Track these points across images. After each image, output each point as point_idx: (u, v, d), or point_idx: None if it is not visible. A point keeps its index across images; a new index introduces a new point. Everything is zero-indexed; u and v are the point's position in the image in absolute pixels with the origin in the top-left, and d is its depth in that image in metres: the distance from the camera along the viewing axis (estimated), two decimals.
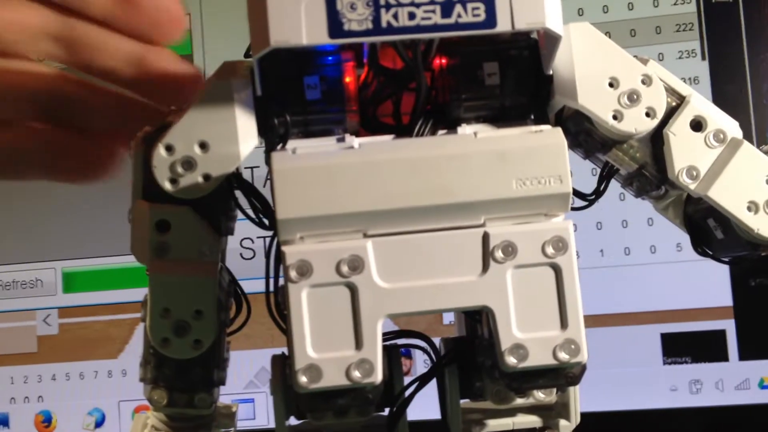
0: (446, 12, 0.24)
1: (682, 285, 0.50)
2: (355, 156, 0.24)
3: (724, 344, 0.50)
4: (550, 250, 0.24)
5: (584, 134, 0.28)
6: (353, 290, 0.23)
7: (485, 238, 0.24)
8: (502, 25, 0.23)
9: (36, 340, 0.60)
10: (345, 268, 0.23)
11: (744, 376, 0.50)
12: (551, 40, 0.25)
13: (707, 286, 0.50)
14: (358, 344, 0.23)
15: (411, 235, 0.24)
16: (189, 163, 0.24)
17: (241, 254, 0.52)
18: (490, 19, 0.24)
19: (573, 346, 0.24)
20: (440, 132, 0.26)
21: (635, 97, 0.26)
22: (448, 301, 0.25)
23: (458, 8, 0.24)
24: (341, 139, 0.24)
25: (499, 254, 0.25)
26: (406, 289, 0.24)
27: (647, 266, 0.50)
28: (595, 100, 0.26)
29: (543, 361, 0.24)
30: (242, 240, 0.52)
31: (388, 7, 0.23)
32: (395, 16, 0.23)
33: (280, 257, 0.23)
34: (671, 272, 0.50)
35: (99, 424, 0.59)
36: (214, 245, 0.27)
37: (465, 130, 0.25)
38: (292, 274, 0.23)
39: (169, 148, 0.24)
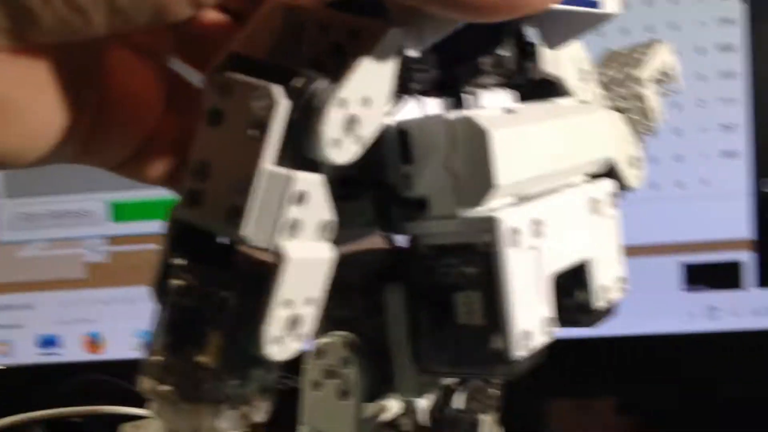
0: None
1: (706, 218, 0.50)
2: (530, 122, 0.23)
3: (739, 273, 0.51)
4: (611, 201, 0.27)
5: None
6: (537, 251, 0.23)
7: (587, 192, 0.26)
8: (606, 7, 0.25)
9: (85, 267, 0.59)
10: (535, 232, 0.23)
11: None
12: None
13: (728, 220, 0.51)
14: (543, 302, 0.23)
15: (554, 195, 0.25)
16: (353, 123, 0.20)
17: None
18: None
19: (624, 284, 0.27)
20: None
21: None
22: (577, 254, 0.25)
23: None
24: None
25: (595, 207, 0.26)
26: (558, 245, 0.24)
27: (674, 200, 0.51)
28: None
29: (614, 297, 0.27)
30: None
31: None
32: None
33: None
34: (696, 206, 0.51)
35: None
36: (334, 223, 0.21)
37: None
38: (509, 240, 0.22)
39: (342, 104, 0.20)
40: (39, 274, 0.58)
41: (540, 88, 0.29)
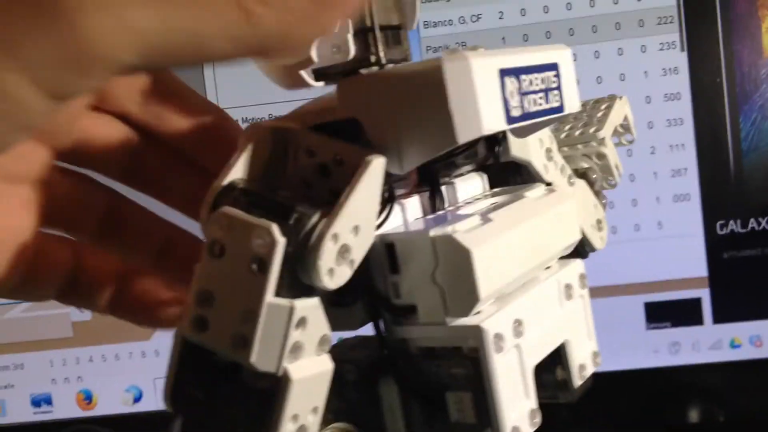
0: (546, 98, 0.25)
1: (662, 259, 0.52)
2: (507, 229, 0.24)
3: (700, 310, 0.53)
4: (581, 282, 0.28)
5: None
6: (519, 349, 0.24)
7: (559, 280, 0.27)
8: (569, 109, 0.26)
9: (71, 326, 0.59)
10: (516, 332, 0.24)
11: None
12: None
13: (684, 259, 0.53)
14: (528, 395, 0.24)
15: (530, 288, 0.26)
16: (346, 251, 0.21)
17: None
18: (562, 105, 0.26)
19: (598, 357, 0.29)
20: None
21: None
22: (554, 342, 0.27)
23: (550, 95, 0.26)
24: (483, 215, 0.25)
25: (568, 293, 0.28)
26: (537, 338, 0.25)
27: (632, 243, 0.53)
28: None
29: (590, 372, 0.28)
30: None
31: (526, 94, 0.24)
32: (530, 103, 0.24)
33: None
34: (653, 248, 0.53)
35: (137, 399, 0.59)
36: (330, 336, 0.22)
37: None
38: (494, 347, 0.23)
39: (335, 238, 0.21)
40: (27, 335, 0.58)
41: (508, 169, 0.31)
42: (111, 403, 0.59)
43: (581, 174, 0.37)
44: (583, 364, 0.28)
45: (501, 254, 0.24)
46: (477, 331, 0.23)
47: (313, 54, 0.25)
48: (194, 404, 0.22)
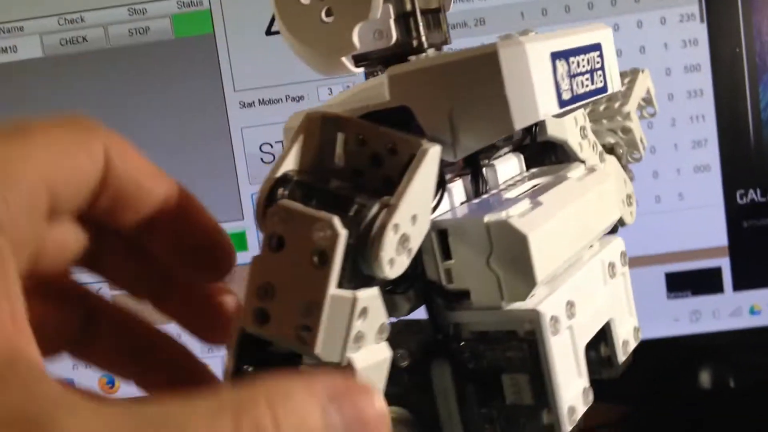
0: (592, 79, 0.25)
1: (683, 230, 0.52)
2: (557, 212, 0.24)
3: (720, 279, 0.53)
4: (623, 260, 0.28)
5: None
6: (572, 331, 0.24)
7: (603, 259, 0.27)
8: (611, 89, 0.27)
9: None
10: (569, 313, 0.24)
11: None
12: None
13: (704, 229, 0.53)
14: (581, 375, 0.24)
15: (578, 269, 0.26)
16: (405, 240, 0.21)
17: (261, 159, 0.51)
18: (605, 86, 0.26)
19: (639, 332, 0.29)
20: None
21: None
22: (601, 320, 0.27)
23: (595, 76, 0.26)
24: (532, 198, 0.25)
25: (611, 271, 0.28)
26: (587, 318, 0.25)
27: (653, 215, 0.53)
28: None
29: (632, 347, 0.28)
30: (262, 145, 0.51)
31: (574, 76, 0.24)
32: (578, 85, 0.24)
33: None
34: (674, 219, 0.53)
35: None
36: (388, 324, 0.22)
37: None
38: (551, 329, 0.23)
39: (396, 228, 0.20)
40: None
41: (543, 148, 0.31)
42: (133, 388, 0.59)
43: (609, 150, 0.37)
44: (626, 340, 0.29)
45: (553, 237, 0.24)
46: (534, 315, 0.23)
47: (355, 40, 0.25)
48: None
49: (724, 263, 0.53)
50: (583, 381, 0.25)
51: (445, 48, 0.27)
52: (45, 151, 0.20)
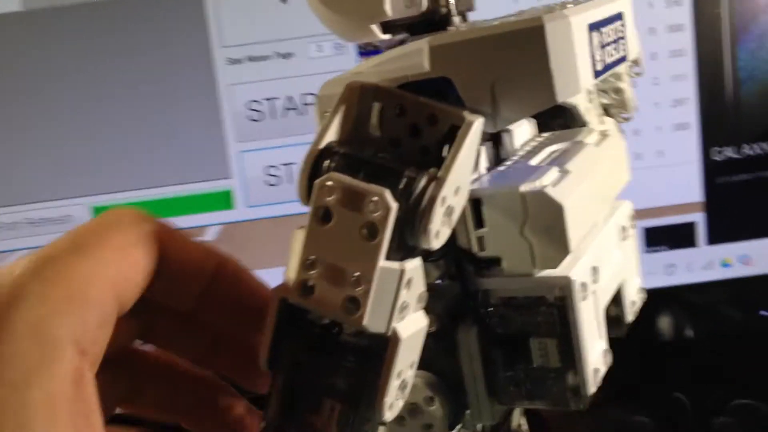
0: (617, 48, 0.26)
1: (661, 186, 0.54)
2: (584, 180, 0.25)
3: (695, 233, 0.55)
4: (632, 223, 0.29)
5: None
6: (595, 295, 0.25)
7: (616, 223, 0.28)
8: (631, 56, 0.28)
9: None
10: (594, 278, 0.25)
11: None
12: None
13: (681, 185, 0.54)
14: (601, 336, 0.25)
15: (598, 234, 0.27)
16: (450, 212, 0.21)
17: (249, 116, 0.51)
18: (626, 54, 0.27)
19: (643, 292, 0.30)
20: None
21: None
22: (617, 282, 0.28)
23: (619, 45, 0.26)
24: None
25: (624, 234, 0.29)
26: (606, 281, 0.26)
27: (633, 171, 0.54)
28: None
29: (639, 307, 0.29)
30: (250, 102, 0.51)
31: (605, 46, 0.24)
32: (608, 54, 0.24)
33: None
34: (653, 176, 0.54)
35: None
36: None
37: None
38: (581, 295, 0.23)
39: (443, 201, 0.21)
40: None
41: (553, 114, 0.31)
42: None
43: (603, 110, 0.37)
44: (634, 300, 0.30)
45: (583, 205, 0.24)
46: (566, 282, 0.23)
47: (387, 8, 0.24)
48: (296, 364, 0.22)
49: (699, 218, 0.54)
50: (603, 342, 0.26)
51: (469, 15, 0.27)
52: (114, 266, 0.22)
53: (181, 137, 0.50)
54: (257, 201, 0.51)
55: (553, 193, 0.23)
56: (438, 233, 0.21)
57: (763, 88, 0.52)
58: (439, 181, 0.21)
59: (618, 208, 0.29)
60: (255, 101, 0.50)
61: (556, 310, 0.24)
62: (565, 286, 0.23)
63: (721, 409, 0.54)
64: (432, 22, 0.26)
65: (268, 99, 0.50)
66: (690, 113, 0.53)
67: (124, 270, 0.22)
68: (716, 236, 0.54)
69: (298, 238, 0.21)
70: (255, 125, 0.50)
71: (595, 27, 0.23)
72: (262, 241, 0.51)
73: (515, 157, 0.27)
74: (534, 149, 0.28)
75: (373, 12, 0.24)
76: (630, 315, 0.29)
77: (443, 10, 0.26)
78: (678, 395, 0.55)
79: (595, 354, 0.25)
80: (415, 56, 0.23)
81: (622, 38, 0.26)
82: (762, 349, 0.63)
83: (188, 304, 0.25)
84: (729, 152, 0.53)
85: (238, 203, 0.51)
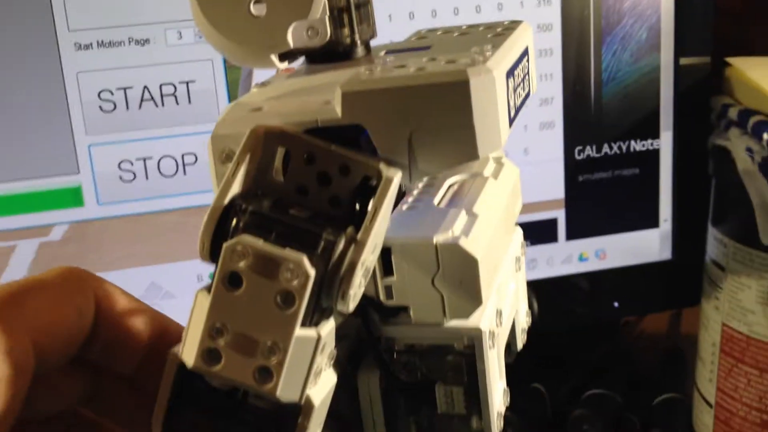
0: (523, 87, 0.26)
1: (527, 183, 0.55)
2: (491, 224, 0.25)
3: (556, 229, 0.57)
4: (523, 250, 0.30)
5: None
6: (498, 337, 0.25)
7: (511, 255, 0.28)
8: (533, 91, 0.27)
9: None
10: (498, 322, 0.25)
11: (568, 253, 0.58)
12: None
13: (546, 183, 0.56)
14: (502, 377, 0.26)
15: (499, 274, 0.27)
16: (367, 272, 0.21)
17: (100, 107, 0.48)
18: (530, 90, 0.27)
19: (528, 316, 0.30)
20: None
21: None
22: (512, 316, 0.28)
23: (525, 83, 0.26)
24: None
25: (518, 265, 0.29)
26: (506, 320, 0.27)
27: None
28: None
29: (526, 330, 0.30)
30: (101, 92, 0.47)
31: (515, 89, 0.24)
32: (518, 97, 0.24)
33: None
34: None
35: None
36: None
37: None
38: (489, 344, 0.24)
39: (362, 264, 0.20)
40: None
41: None
42: None
43: None
44: (524, 327, 0.30)
45: (492, 252, 0.24)
46: (477, 333, 0.23)
47: (289, 39, 0.23)
48: (195, 430, 0.21)
49: (560, 215, 0.57)
50: (503, 383, 0.26)
51: (373, 42, 0.26)
52: (34, 315, 0.22)
53: (23, 129, 0.45)
54: (109, 198, 0.48)
55: (467, 246, 0.22)
56: (356, 295, 0.20)
57: (624, 89, 0.55)
58: (359, 245, 0.20)
59: (513, 239, 0.29)
60: (107, 91, 0.46)
61: (463, 359, 0.24)
62: (474, 337, 0.23)
63: (577, 400, 0.57)
64: (334, 52, 0.25)
65: (121, 89, 0.47)
66: (556, 112, 0.54)
67: (53, 325, 0.22)
68: (574, 232, 0.57)
69: (202, 302, 0.20)
70: (106, 117, 0.47)
71: (510, 73, 0.23)
72: (114, 241, 0.48)
73: (415, 192, 0.27)
74: (431, 182, 0.28)
75: (275, 43, 0.23)
76: (520, 343, 0.30)
77: (347, 40, 0.25)
78: (536, 386, 0.58)
79: (498, 397, 0.25)
80: (324, 96, 0.22)
81: (527, 75, 0.26)
82: (615, 340, 0.67)
83: (128, 368, 0.25)
84: (590, 151, 0.56)
85: (88, 200, 0.47)
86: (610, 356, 0.64)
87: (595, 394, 0.57)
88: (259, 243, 0.19)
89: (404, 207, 0.26)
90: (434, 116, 0.21)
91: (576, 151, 0.56)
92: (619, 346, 0.67)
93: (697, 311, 0.58)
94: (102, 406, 0.25)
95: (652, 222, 0.58)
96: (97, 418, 0.26)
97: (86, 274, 0.24)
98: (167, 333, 0.25)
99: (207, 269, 0.50)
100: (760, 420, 0.51)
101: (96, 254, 0.48)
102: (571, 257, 0.58)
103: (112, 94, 0.47)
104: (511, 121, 0.23)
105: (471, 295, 0.23)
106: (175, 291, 0.50)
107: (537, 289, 0.56)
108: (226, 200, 0.20)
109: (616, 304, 0.59)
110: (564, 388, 0.59)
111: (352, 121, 0.21)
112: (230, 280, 0.20)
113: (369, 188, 0.21)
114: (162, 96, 0.47)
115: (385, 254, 0.23)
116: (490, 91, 0.21)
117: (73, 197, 0.47)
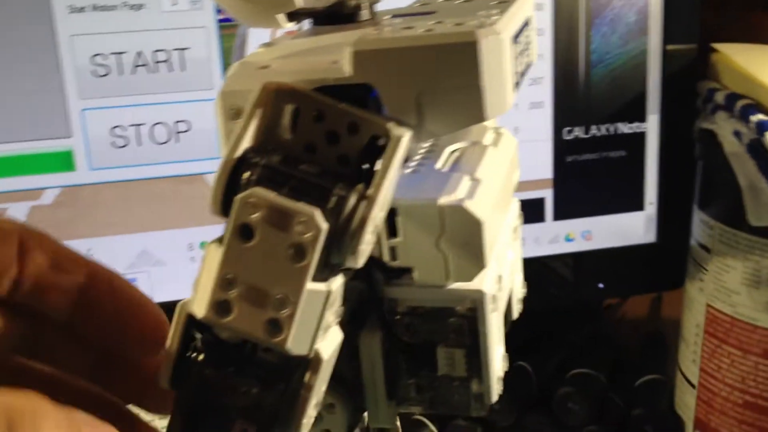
0: (525, 55, 0.26)
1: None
2: (494, 190, 0.25)
3: (543, 209, 0.58)
4: (521, 220, 0.31)
5: None
6: (498, 301, 0.26)
7: (509, 224, 0.29)
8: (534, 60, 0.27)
9: None
10: (499, 287, 0.25)
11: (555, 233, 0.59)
12: None
13: (534, 163, 0.57)
14: (501, 342, 0.26)
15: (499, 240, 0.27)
16: (375, 228, 0.21)
17: (93, 71, 0.48)
18: (530, 60, 0.28)
19: (524, 286, 0.31)
20: None
21: None
22: (511, 283, 0.29)
23: (527, 51, 0.26)
24: None
25: (515, 234, 0.30)
26: (506, 286, 0.27)
27: None
28: None
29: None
30: (94, 56, 0.47)
31: (518, 56, 0.24)
32: (521, 64, 0.25)
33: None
34: None
35: None
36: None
37: None
38: (491, 307, 0.24)
39: (373, 221, 0.20)
40: None
41: None
42: None
43: None
44: (519, 297, 0.31)
45: (495, 216, 0.25)
46: (478, 295, 0.24)
47: None
48: (202, 383, 0.21)
49: (548, 194, 0.57)
50: (502, 347, 0.26)
51: (378, 6, 0.26)
52: None
53: (16, 91, 0.45)
54: (102, 163, 0.47)
55: (473, 208, 0.23)
56: (365, 251, 0.21)
57: (612, 71, 0.55)
58: (370, 201, 0.20)
59: (511, 208, 0.30)
60: (100, 55, 0.46)
61: (466, 321, 0.24)
62: (477, 300, 0.24)
63: (561, 378, 0.58)
64: (339, 14, 0.25)
65: (115, 53, 0.46)
66: (545, 92, 0.55)
67: None
68: (561, 212, 0.58)
69: (213, 253, 0.20)
70: (100, 81, 0.46)
71: (515, 38, 0.23)
72: (106, 207, 0.48)
73: (417, 157, 0.27)
74: (432, 148, 0.28)
75: (282, 1, 0.23)
76: (516, 313, 0.30)
77: (353, 2, 0.25)
78: (522, 363, 0.58)
79: (498, 361, 0.25)
80: (334, 55, 0.22)
81: (529, 43, 0.26)
82: (598, 321, 0.68)
83: (61, 313, 0.24)
84: (578, 132, 0.56)
85: (79, 165, 0.47)
86: (593, 338, 0.65)
87: (579, 373, 0.58)
88: (272, 195, 0.20)
89: (407, 171, 0.26)
90: (443, 76, 0.21)
91: (564, 131, 0.56)
92: (602, 328, 0.68)
93: (676, 296, 0.59)
94: (42, 354, 0.25)
95: (638, 204, 0.59)
96: (35, 365, 0.25)
97: (9, 219, 0.24)
98: (96, 277, 0.24)
99: (198, 238, 0.50)
100: (743, 401, 0.52)
101: (87, 220, 0.48)
102: (558, 237, 0.59)
103: (105, 58, 0.47)
104: (516, 86, 0.23)
105: (475, 257, 0.23)
106: (166, 258, 0.50)
107: (524, 267, 0.57)
108: (238, 153, 0.21)
109: (600, 286, 0.60)
110: (549, 366, 0.60)
111: (361, 80, 0.22)
112: (242, 232, 0.20)
113: (377, 147, 0.21)
114: (156, 62, 0.47)
115: (390, 215, 0.23)
116: (498, 53, 0.21)
117: (64, 161, 0.47)
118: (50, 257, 0.24)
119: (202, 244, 0.50)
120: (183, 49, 0.47)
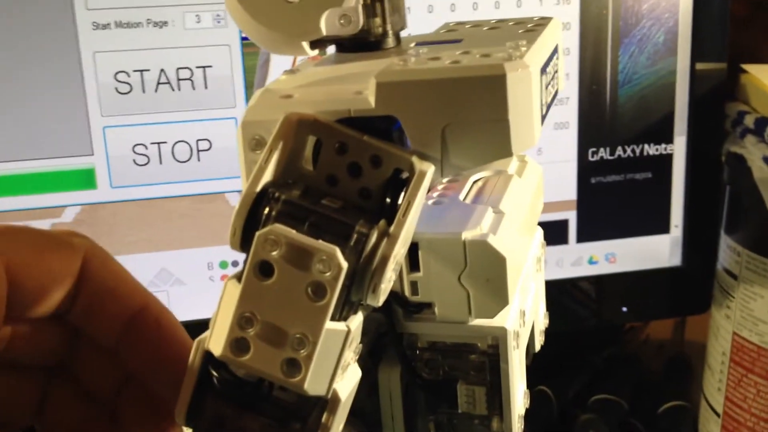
0: (552, 85, 0.25)
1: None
2: (517, 223, 0.24)
3: (567, 231, 0.57)
4: (543, 250, 0.30)
5: None
6: (521, 338, 0.25)
7: (533, 255, 0.28)
8: (561, 91, 0.26)
9: None
10: (522, 323, 0.25)
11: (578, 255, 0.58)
12: None
13: (558, 184, 0.56)
14: (523, 379, 0.26)
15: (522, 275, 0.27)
16: (397, 266, 0.20)
17: (116, 88, 0.47)
18: (557, 89, 0.27)
19: (546, 317, 0.30)
20: None
21: None
22: (533, 317, 0.28)
23: (554, 81, 0.25)
24: None
25: (538, 265, 0.30)
26: (528, 321, 0.26)
27: None
28: None
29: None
30: (117, 73, 0.47)
31: (546, 87, 0.24)
32: (548, 96, 0.24)
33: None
34: None
35: None
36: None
37: None
38: (513, 344, 0.23)
39: (395, 258, 0.20)
40: None
41: None
42: None
43: None
44: (541, 329, 0.30)
45: (519, 251, 0.24)
46: (501, 332, 0.23)
47: (322, 26, 0.23)
48: (218, 421, 0.21)
49: (572, 216, 0.57)
50: (524, 384, 0.26)
51: (403, 33, 0.26)
52: (12, 245, 0.22)
53: (38, 108, 0.45)
54: (123, 182, 0.47)
55: (496, 243, 0.22)
56: (385, 289, 0.20)
57: (639, 92, 0.55)
58: (391, 239, 0.20)
59: (534, 237, 0.29)
60: (123, 72, 0.46)
61: (487, 358, 0.24)
62: (499, 337, 0.23)
63: (583, 404, 0.57)
64: (364, 41, 0.24)
65: (138, 71, 0.46)
66: (571, 113, 0.54)
67: (32, 266, 0.22)
68: (585, 234, 0.57)
69: (231, 290, 0.20)
70: (122, 99, 0.46)
71: (543, 69, 0.23)
72: (126, 225, 0.48)
73: (439, 187, 0.27)
74: (455, 178, 0.28)
75: (307, 29, 0.23)
76: (538, 345, 0.30)
77: (379, 30, 0.24)
78: (543, 388, 0.57)
79: (519, 399, 0.25)
80: (357, 85, 0.22)
81: (556, 72, 0.26)
82: (619, 344, 0.67)
83: (109, 337, 0.24)
84: (603, 153, 0.56)
85: (100, 183, 0.47)
86: (615, 361, 0.64)
87: (601, 399, 0.57)
88: (292, 233, 0.19)
89: (429, 202, 0.25)
90: (469, 110, 0.20)
91: (590, 152, 0.55)
92: (623, 350, 0.66)
93: (701, 317, 0.58)
94: (80, 371, 0.25)
95: (663, 227, 0.58)
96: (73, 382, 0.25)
97: (81, 235, 0.24)
98: (148, 308, 0.24)
99: (217, 257, 0.49)
100: None
101: (107, 237, 0.48)
102: (581, 259, 0.58)
103: (128, 75, 0.46)
104: (543, 119, 0.23)
105: (498, 294, 0.23)
106: (185, 278, 0.49)
107: (546, 290, 0.56)
108: (259, 187, 0.20)
109: (624, 309, 0.59)
110: (570, 391, 0.59)
111: (385, 111, 0.21)
112: (261, 269, 0.19)
113: (400, 181, 0.21)
114: (178, 80, 0.47)
115: (412, 249, 0.23)
116: (526, 87, 0.20)
117: (86, 179, 0.47)
118: (110, 282, 0.24)
119: (222, 264, 0.50)
120: (206, 66, 0.47)
